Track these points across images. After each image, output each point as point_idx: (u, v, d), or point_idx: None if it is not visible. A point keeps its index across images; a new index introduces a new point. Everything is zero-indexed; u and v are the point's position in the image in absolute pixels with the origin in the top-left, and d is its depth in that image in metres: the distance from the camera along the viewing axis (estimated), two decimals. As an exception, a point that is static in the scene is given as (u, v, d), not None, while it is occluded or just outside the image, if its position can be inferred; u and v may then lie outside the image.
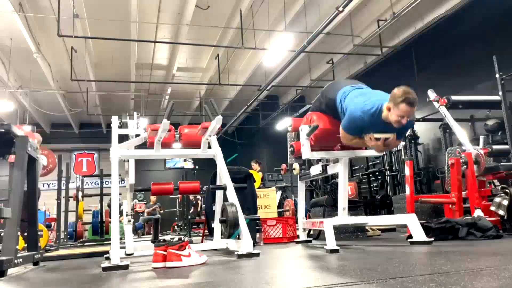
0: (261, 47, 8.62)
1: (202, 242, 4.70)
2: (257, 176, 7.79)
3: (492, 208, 3.58)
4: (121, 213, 3.66)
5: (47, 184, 13.67)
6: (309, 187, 8.38)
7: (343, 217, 3.32)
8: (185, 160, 15.17)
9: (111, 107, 12.63)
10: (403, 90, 2.83)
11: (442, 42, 8.18)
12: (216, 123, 3.12)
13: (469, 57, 7.37)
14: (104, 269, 2.54)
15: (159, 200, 12.24)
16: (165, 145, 3.44)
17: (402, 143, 8.36)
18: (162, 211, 11.77)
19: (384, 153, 8.40)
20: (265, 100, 12.69)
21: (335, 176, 5.39)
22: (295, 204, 6.37)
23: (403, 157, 8.23)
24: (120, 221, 3.42)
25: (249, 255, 2.80)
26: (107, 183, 6.68)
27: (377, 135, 2.97)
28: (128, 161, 3.73)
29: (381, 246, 3.29)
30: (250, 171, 5.28)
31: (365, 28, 8.99)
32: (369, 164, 9.44)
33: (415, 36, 8.77)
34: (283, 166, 4.36)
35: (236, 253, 2.86)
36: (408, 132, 7.93)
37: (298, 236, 4.19)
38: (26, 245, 3.29)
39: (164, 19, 8.57)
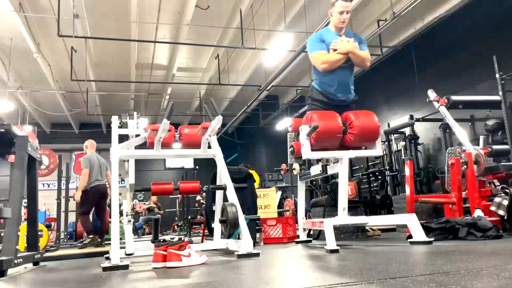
0: (261, 47, 8.62)
1: (202, 242, 4.70)
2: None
3: (492, 208, 3.58)
4: (121, 213, 3.67)
5: (47, 184, 13.69)
6: (309, 187, 8.37)
7: (343, 217, 3.32)
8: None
9: (111, 107, 12.64)
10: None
11: (442, 42, 8.18)
12: (216, 123, 3.12)
13: (469, 57, 7.37)
14: (104, 269, 2.54)
15: (159, 200, 12.24)
16: (165, 145, 3.45)
17: (402, 143, 8.38)
18: (162, 212, 11.75)
19: (384, 153, 8.41)
20: (265, 100, 12.69)
21: (335, 176, 5.39)
22: (295, 204, 6.37)
23: (403, 157, 8.23)
24: (120, 221, 3.42)
25: (249, 255, 2.80)
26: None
27: (338, 38, 3.26)
28: (128, 161, 3.73)
29: (381, 246, 3.29)
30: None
31: (365, 28, 8.99)
32: (369, 164, 9.44)
33: (415, 36, 8.77)
34: (283, 166, 4.36)
35: (236, 253, 2.86)
36: (408, 132, 7.94)
37: (298, 236, 4.19)
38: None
39: (164, 19, 8.57)
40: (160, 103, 13.39)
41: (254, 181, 4.95)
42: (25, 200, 3.35)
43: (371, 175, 9.05)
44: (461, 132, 4.41)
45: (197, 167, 12.73)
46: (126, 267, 2.56)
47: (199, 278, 2.02)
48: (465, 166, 3.92)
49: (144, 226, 10.89)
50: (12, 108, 11.27)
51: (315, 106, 3.49)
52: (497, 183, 4.36)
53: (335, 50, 3.24)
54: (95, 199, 5.69)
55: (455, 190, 3.87)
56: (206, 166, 9.97)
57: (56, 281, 2.41)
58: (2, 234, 3.99)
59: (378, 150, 3.37)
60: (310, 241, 4.02)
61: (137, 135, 3.79)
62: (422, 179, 7.76)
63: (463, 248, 2.61)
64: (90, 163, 5.64)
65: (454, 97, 4.64)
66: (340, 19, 3.23)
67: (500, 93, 4.53)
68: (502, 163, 4.15)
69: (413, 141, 7.81)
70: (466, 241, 3.08)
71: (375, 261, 2.18)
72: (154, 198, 11.86)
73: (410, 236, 3.14)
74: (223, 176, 3.36)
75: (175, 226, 11.97)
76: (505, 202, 3.50)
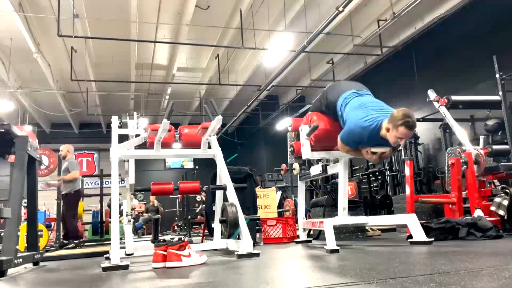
0: (261, 47, 8.61)
1: (202, 242, 4.70)
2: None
3: (492, 208, 3.58)
4: (121, 213, 3.66)
5: (47, 184, 13.67)
6: (309, 187, 8.37)
7: (343, 217, 3.32)
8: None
9: (111, 107, 12.63)
10: (402, 113, 2.83)
11: (442, 42, 8.18)
12: (216, 123, 3.12)
13: (469, 57, 7.37)
14: (104, 269, 2.54)
15: (158, 199, 12.24)
16: (165, 145, 3.45)
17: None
18: (161, 209, 11.75)
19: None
20: (265, 100, 12.69)
21: (335, 176, 5.39)
22: (295, 204, 6.37)
23: (403, 157, 8.22)
24: (120, 221, 3.42)
25: (249, 255, 2.80)
26: (107, 183, 6.68)
27: (374, 149, 3.02)
28: (128, 161, 3.73)
29: (381, 246, 3.29)
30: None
31: (365, 28, 8.98)
32: (369, 164, 9.43)
33: (415, 36, 8.76)
34: (283, 166, 4.37)
35: (236, 253, 2.86)
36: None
37: (298, 236, 4.19)
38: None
39: (164, 19, 8.57)
40: (160, 103, 13.39)
41: (254, 181, 4.95)
42: (25, 200, 3.35)
43: (371, 175, 9.05)
44: (461, 132, 4.41)
45: (197, 167, 12.71)
46: (126, 267, 2.56)
47: (199, 278, 2.02)
48: (465, 166, 3.92)
49: (144, 226, 10.88)
50: (12, 108, 11.26)
51: (326, 112, 3.44)
52: (497, 183, 4.36)
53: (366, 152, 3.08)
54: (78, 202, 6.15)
55: (455, 190, 3.87)
56: (206, 166, 9.96)
57: (56, 281, 2.41)
58: (2, 234, 3.99)
59: (378, 150, 3.36)
60: (310, 241, 4.02)
61: (137, 135, 3.79)
62: (422, 179, 7.75)
63: (463, 248, 2.61)
64: (76, 167, 5.99)
65: (454, 97, 4.64)
66: (396, 143, 2.94)
67: (500, 93, 4.53)
68: (502, 163, 4.15)
69: (413, 141, 7.81)
70: (466, 241, 3.08)
71: (375, 261, 2.18)
72: (152, 198, 11.87)
73: (410, 236, 3.14)
74: (223, 176, 3.36)
75: (175, 226, 11.97)
76: (505, 202, 3.50)
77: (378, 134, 2.95)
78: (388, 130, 2.88)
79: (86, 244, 6.36)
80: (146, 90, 12.12)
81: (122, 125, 3.83)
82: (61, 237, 5.90)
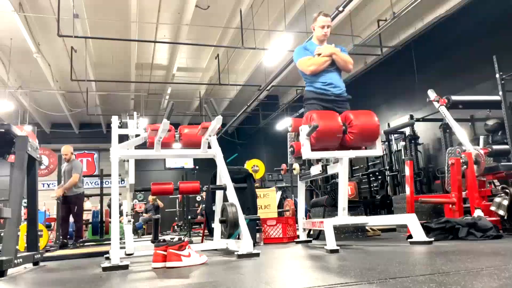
0: (261, 47, 8.62)
1: (202, 242, 4.70)
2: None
3: (492, 208, 3.58)
4: (121, 213, 3.66)
5: (47, 184, 13.69)
6: (309, 187, 8.38)
7: (343, 217, 3.32)
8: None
9: (111, 107, 12.64)
10: (318, 11, 3.63)
11: (442, 42, 8.18)
12: (216, 123, 3.12)
13: (469, 57, 7.37)
14: (104, 269, 2.54)
15: (158, 198, 12.24)
16: (165, 145, 3.45)
17: (402, 143, 8.38)
18: (161, 204, 11.76)
19: (384, 153, 8.41)
20: (265, 100, 12.68)
21: (335, 176, 5.39)
22: (295, 204, 6.37)
23: (403, 157, 8.23)
24: (120, 221, 3.42)
25: (249, 255, 2.80)
26: (107, 183, 6.69)
27: (316, 51, 3.53)
28: (128, 161, 3.73)
29: (381, 246, 3.29)
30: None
31: (365, 28, 8.99)
32: (369, 164, 9.44)
33: (415, 36, 8.77)
34: (283, 166, 4.36)
35: (236, 253, 2.86)
36: (408, 132, 7.94)
37: (298, 236, 4.19)
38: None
39: (164, 19, 8.57)
40: (160, 103, 13.39)
41: (254, 181, 4.95)
42: (25, 200, 3.35)
43: (371, 175, 9.05)
44: (461, 132, 4.41)
45: (197, 167, 12.70)
46: (126, 267, 2.56)
47: (199, 278, 2.02)
48: (465, 166, 3.92)
49: (144, 226, 10.89)
50: (12, 108, 11.26)
51: (312, 104, 3.56)
52: (497, 183, 4.36)
53: (319, 55, 3.54)
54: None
55: (455, 190, 3.87)
56: (206, 166, 9.96)
57: (56, 281, 2.41)
58: (2, 234, 3.99)
59: (378, 150, 3.37)
60: (310, 241, 4.02)
61: (137, 135, 3.79)
62: (422, 179, 7.76)
63: (463, 248, 2.61)
64: (79, 170, 6.03)
65: (454, 97, 4.64)
66: (322, 32, 3.56)
67: (500, 93, 4.53)
68: (502, 163, 4.15)
69: (413, 141, 7.81)
70: (466, 241, 3.08)
71: (375, 261, 2.18)
72: (151, 198, 11.87)
73: (410, 236, 3.14)
74: (223, 176, 3.36)
75: (175, 226, 11.97)
76: (505, 202, 3.50)
77: (314, 45, 3.63)
78: (313, 29, 3.62)
79: (86, 244, 6.37)
80: (146, 90, 12.13)
81: (122, 125, 3.83)
82: (61, 237, 5.89)
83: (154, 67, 10.99)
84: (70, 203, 5.95)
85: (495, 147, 4.46)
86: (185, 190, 3.50)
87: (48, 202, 10.13)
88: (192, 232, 7.84)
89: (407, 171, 4.27)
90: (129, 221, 3.62)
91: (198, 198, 11.95)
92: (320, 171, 3.53)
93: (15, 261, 2.62)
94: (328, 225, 2.98)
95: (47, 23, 8.22)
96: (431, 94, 4.70)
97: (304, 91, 3.81)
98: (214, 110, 3.18)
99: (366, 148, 3.41)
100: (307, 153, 3.27)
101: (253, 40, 8.35)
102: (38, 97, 12.07)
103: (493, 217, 3.51)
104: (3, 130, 2.84)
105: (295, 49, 3.76)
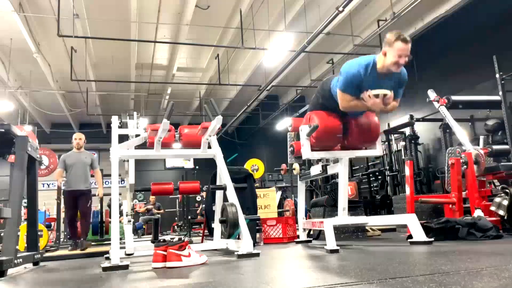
0: (261, 47, 8.62)
1: (202, 242, 4.70)
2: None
3: (492, 208, 3.58)
4: (121, 213, 3.66)
5: (47, 184, 13.68)
6: (309, 187, 8.38)
7: (343, 217, 3.32)
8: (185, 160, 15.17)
9: (111, 107, 12.63)
10: (395, 31, 2.83)
11: (442, 42, 8.18)
12: (216, 123, 3.12)
13: (469, 57, 7.37)
14: (104, 269, 2.54)
15: (159, 200, 12.23)
16: (165, 145, 3.45)
17: (402, 143, 8.38)
18: (162, 211, 11.73)
19: (384, 153, 8.40)
20: (265, 100, 12.69)
21: (335, 176, 5.39)
22: (295, 204, 6.37)
23: (403, 157, 8.22)
24: (120, 221, 3.42)
25: (249, 255, 2.80)
26: (107, 183, 6.68)
27: (375, 92, 2.86)
28: (128, 161, 3.73)
29: (381, 246, 3.29)
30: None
31: (365, 28, 8.98)
32: (369, 164, 9.43)
33: (415, 36, 8.76)
34: (283, 166, 4.37)
35: (236, 253, 2.86)
36: (408, 132, 7.93)
37: (298, 236, 4.19)
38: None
39: (164, 19, 8.57)
40: (160, 103, 13.39)
41: (254, 181, 4.95)
42: (25, 200, 3.35)
43: (371, 175, 9.05)
44: (461, 132, 4.41)
45: (197, 167, 12.71)
46: (126, 267, 2.56)
47: (199, 278, 2.02)
48: (465, 166, 3.92)
49: (144, 226, 10.88)
50: (12, 108, 11.25)
51: (322, 104, 3.30)
52: (497, 183, 4.36)
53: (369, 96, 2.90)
54: None
55: (455, 190, 3.87)
56: (206, 166, 9.97)
57: (56, 281, 2.41)
58: (2, 234, 3.98)
59: (378, 150, 3.37)
60: (310, 241, 4.02)
61: (137, 135, 3.79)
62: (422, 179, 7.75)
63: (463, 248, 2.61)
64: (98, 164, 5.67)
65: (454, 97, 4.64)
66: (397, 63, 2.79)
67: (500, 93, 4.53)
68: (502, 163, 4.15)
69: (413, 141, 7.80)
70: (466, 241, 3.08)
71: (375, 261, 2.18)
72: (152, 198, 11.86)
73: (410, 236, 3.14)
74: (223, 176, 3.36)
75: (175, 226, 11.96)
76: (505, 202, 3.50)
77: (375, 71, 2.88)
78: (385, 54, 2.82)
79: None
80: (146, 90, 12.12)
81: (122, 125, 3.83)
82: (68, 236, 5.51)
83: (154, 67, 10.99)
84: (81, 198, 5.26)
85: (495, 147, 4.46)
86: (185, 190, 3.50)
87: (48, 202, 10.14)
88: (192, 232, 7.84)
89: (407, 171, 4.27)
90: (129, 221, 3.62)
91: (198, 198, 11.95)
92: (320, 171, 3.53)
93: (15, 261, 2.62)
94: (328, 225, 2.98)
95: (47, 23, 8.22)
96: (431, 94, 4.70)
97: (330, 80, 3.27)
98: (214, 110, 3.18)
99: (366, 148, 3.41)
100: (307, 153, 3.27)
101: (253, 40, 8.35)
102: (38, 97, 12.07)
103: (493, 217, 3.51)
104: (3, 130, 2.84)
105: (354, 61, 2.97)
